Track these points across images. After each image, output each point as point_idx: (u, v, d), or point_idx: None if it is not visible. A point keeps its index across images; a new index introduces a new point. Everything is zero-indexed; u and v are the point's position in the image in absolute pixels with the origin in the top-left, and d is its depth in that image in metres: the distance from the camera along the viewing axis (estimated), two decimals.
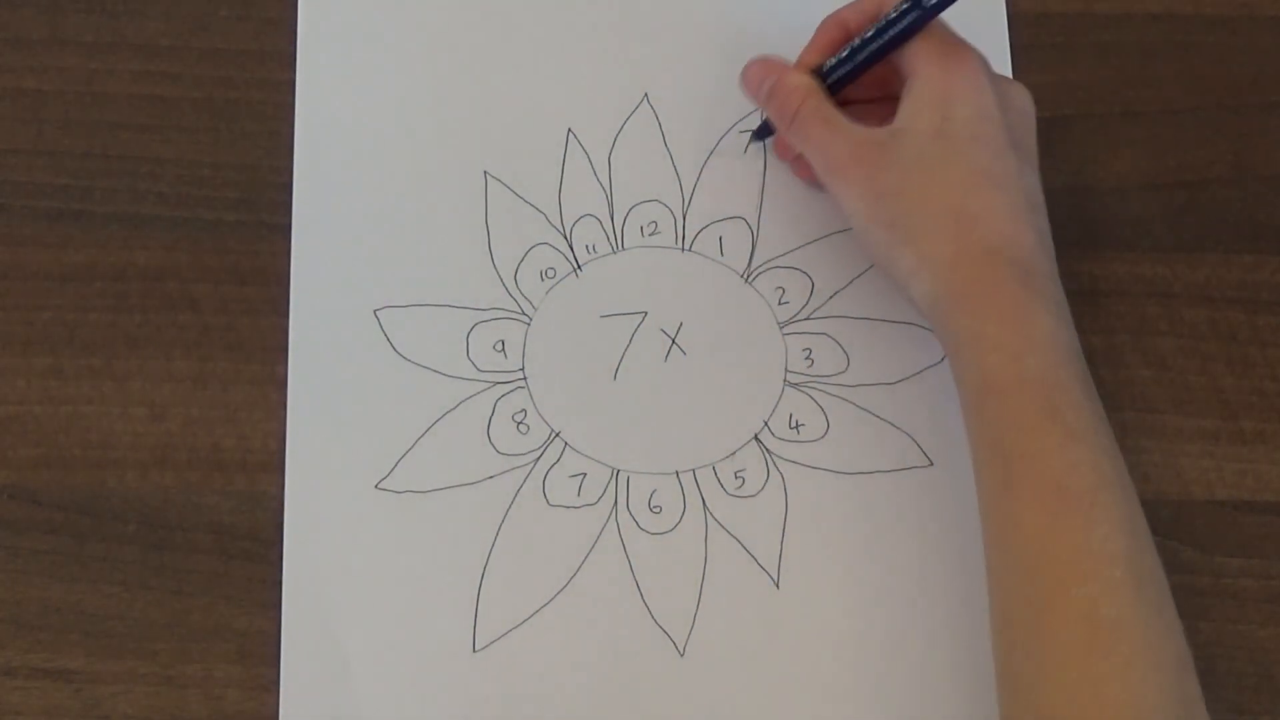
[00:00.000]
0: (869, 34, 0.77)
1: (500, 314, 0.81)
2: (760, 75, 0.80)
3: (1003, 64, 0.84)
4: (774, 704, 0.76)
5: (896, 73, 0.77)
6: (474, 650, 0.76)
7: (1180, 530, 0.79)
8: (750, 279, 0.82)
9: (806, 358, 0.81)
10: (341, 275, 0.81)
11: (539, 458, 0.79)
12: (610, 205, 0.83)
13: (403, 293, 0.81)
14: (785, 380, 0.81)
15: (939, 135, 0.74)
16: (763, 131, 0.82)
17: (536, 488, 0.78)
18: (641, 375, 0.80)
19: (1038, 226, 0.74)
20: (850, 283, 0.82)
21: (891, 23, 0.76)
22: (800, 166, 0.82)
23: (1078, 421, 0.69)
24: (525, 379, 0.80)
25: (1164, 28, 0.87)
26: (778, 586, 0.78)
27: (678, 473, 0.79)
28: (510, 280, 0.81)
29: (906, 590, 0.78)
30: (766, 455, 0.79)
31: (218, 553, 0.78)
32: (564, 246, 0.82)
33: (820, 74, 0.78)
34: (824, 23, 0.79)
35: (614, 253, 0.82)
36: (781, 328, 0.81)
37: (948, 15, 0.75)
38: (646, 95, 0.85)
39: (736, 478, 0.79)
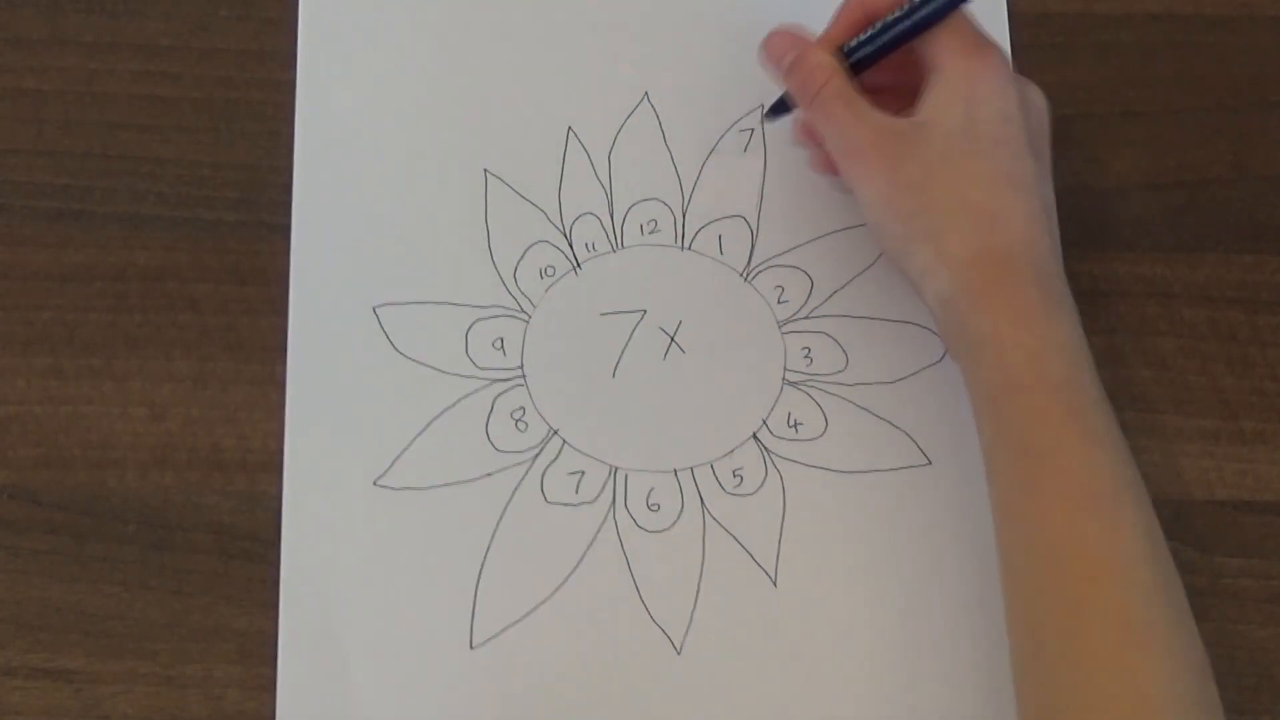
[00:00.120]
0: (897, 15, 0.76)
1: (500, 312, 0.81)
2: (783, 48, 0.78)
3: None
4: (771, 702, 0.76)
5: (917, 62, 0.76)
6: (471, 647, 0.76)
7: (1180, 530, 0.78)
8: (749, 278, 0.82)
9: (805, 356, 0.81)
10: (341, 272, 0.81)
11: (537, 455, 0.79)
12: (610, 204, 0.83)
13: (402, 290, 0.81)
14: (784, 379, 0.81)
15: (964, 133, 0.73)
16: (780, 108, 0.80)
17: (535, 485, 0.78)
18: (640, 373, 0.80)
19: (1052, 231, 0.74)
20: (849, 282, 0.82)
21: (921, 4, 0.75)
22: (817, 157, 0.81)
23: (1098, 424, 0.69)
24: (524, 377, 0.80)
25: (1164, 28, 0.87)
26: (775, 585, 0.78)
27: (676, 471, 0.79)
28: (510, 278, 0.82)
29: (904, 589, 0.77)
30: (765, 454, 0.79)
31: (218, 553, 0.78)
32: (563, 245, 0.82)
33: (842, 54, 0.77)
34: (846, 2, 0.78)
35: (613, 251, 0.82)
36: (780, 326, 0.81)
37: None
38: (647, 94, 0.85)
39: (735, 476, 0.79)
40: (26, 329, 0.81)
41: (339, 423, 0.79)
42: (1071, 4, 0.87)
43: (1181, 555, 0.78)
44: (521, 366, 0.80)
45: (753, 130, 0.84)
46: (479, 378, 0.80)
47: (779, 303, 0.82)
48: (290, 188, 0.83)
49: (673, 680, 0.76)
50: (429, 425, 0.79)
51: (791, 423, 0.80)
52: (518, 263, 0.82)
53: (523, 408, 0.80)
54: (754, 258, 0.82)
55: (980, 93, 0.74)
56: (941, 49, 0.75)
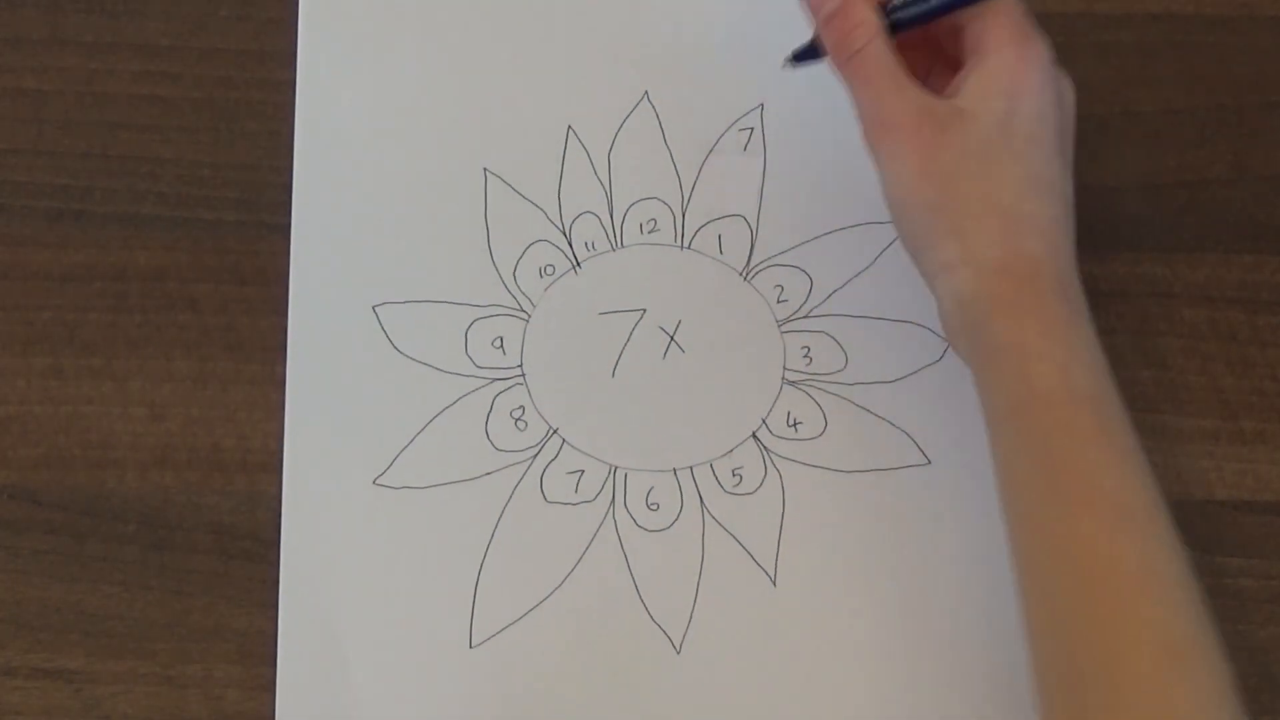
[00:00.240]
0: None
1: (499, 310, 0.81)
2: None
3: None
4: (770, 702, 0.76)
5: (954, 35, 0.74)
6: (470, 647, 0.76)
7: (1180, 530, 0.78)
8: (749, 277, 0.82)
9: (805, 356, 0.81)
10: (340, 271, 0.82)
11: (537, 454, 0.79)
12: (610, 203, 0.83)
13: (402, 289, 0.81)
14: (784, 378, 0.81)
15: (1002, 129, 0.71)
16: (808, 54, 0.76)
17: (534, 484, 0.78)
18: (640, 373, 0.80)
19: (1072, 235, 0.72)
20: (849, 281, 0.82)
21: None
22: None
23: (1124, 437, 0.68)
24: (524, 376, 0.80)
25: (1164, 28, 0.87)
26: (775, 584, 0.77)
27: (675, 470, 0.79)
28: (509, 277, 0.82)
29: (904, 588, 0.77)
30: (764, 453, 0.79)
31: (218, 553, 0.78)
32: (563, 243, 0.82)
33: (883, 9, 0.73)
34: None
35: (613, 250, 0.82)
36: (780, 326, 0.81)
37: None
38: (646, 93, 0.85)
39: (734, 475, 0.79)
40: (26, 329, 0.81)
41: (339, 422, 0.79)
42: (1071, 4, 0.87)
43: None
44: (521, 365, 0.80)
45: (752, 130, 0.84)
46: (478, 377, 0.80)
47: (778, 302, 0.82)
48: (290, 188, 0.83)
49: (672, 680, 0.76)
50: (428, 424, 0.79)
51: (791, 422, 0.80)
52: (517, 262, 0.82)
53: (522, 407, 0.80)
54: (753, 257, 0.82)
55: (1023, 87, 0.71)
56: (989, 30, 0.72)
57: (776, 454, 0.79)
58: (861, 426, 0.80)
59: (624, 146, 0.84)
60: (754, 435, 0.80)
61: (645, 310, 0.81)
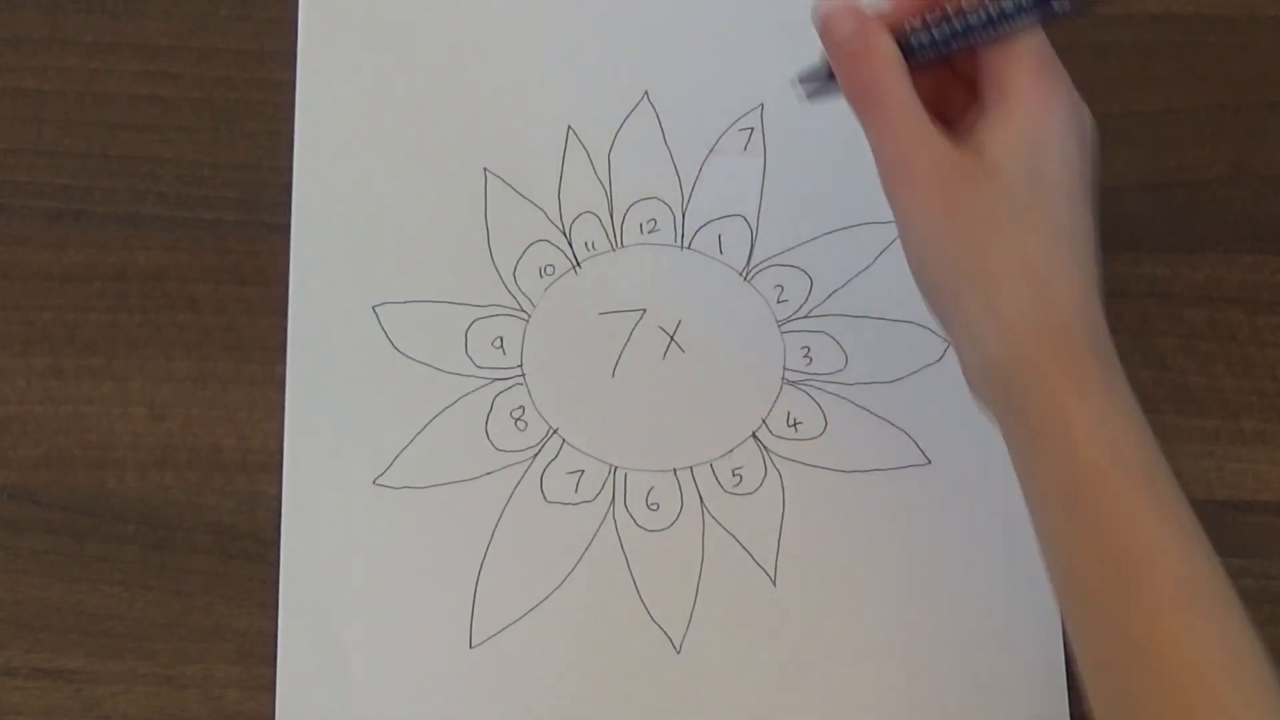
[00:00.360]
0: (977, 19, 0.68)
1: (499, 310, 0.81)
2: (843, 23, 0.69)
3: None
4: (770, 702, 0.76)
5: (970, 56, 0.69)
6: (470, 646, 0.76)
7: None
8: (749, 277, 0.82)
9: (805, 356, 0.81)
10: (340, 272, 0.82)
11: (537, 454, 0.79)
12: (610, 203, 0.83)
13: (402, 289, 0.81)
14: (783, 378, 0.81)
15: (1031, 182, 0.66)
16: (817, 79, 0.72)
17: (534, 484, 0.79)
18: (640, 373, 0.80)
19: (1100, 287, 0.68)
20: (849, 281, 0.82)
21: (1009, 16, 0.68)
22: None
23: (1179, 506, 0.64)
24: (524, 376, 0.80)
25: (1164, 28, 0.87)
26: (775, 584, 0.78)
27: (675, 470, 0.79)
28: (509, 277, 0.82)
29: (903, 588, 0.78)
30: (764, 453, 0.79)
31: (217, 553, 0.78)
32: (563, 243, 0.82)
33: (902, 38, 0.69)
34: None
35: (613, 250, 0.82)
36: (780, 326, 0.81)
37: None
38: (646, 93, 0.84)
39: (734, 475, 0.79)
40: (26, 329, 0.81)
41: (339, 422, 0.79)
42: None
43: None
44: (521, 365, 0.80)
45: (752, 130, 0.84)
46: (478, 377, 0.80)
47: (778, 302, 0.82)
48: (290, 188, 0.83)
49: (672, 679, 0.76)
50: (428, 424, 0.79)
51: (791, 422, 0.80)
52: (517, 262, 0.82)
53: (522, 407, 0.80)
54: (753, 257, 0.82)
55: (1051, 134, 0.67)
56: (1014, 70, 0.68)
57: (776, 454, 0.79)
58: (861, 426, 0.80)
59: (624, 146, 0.84)
60: (754, 435, 0.80)
61: (645, 310, 0.81)
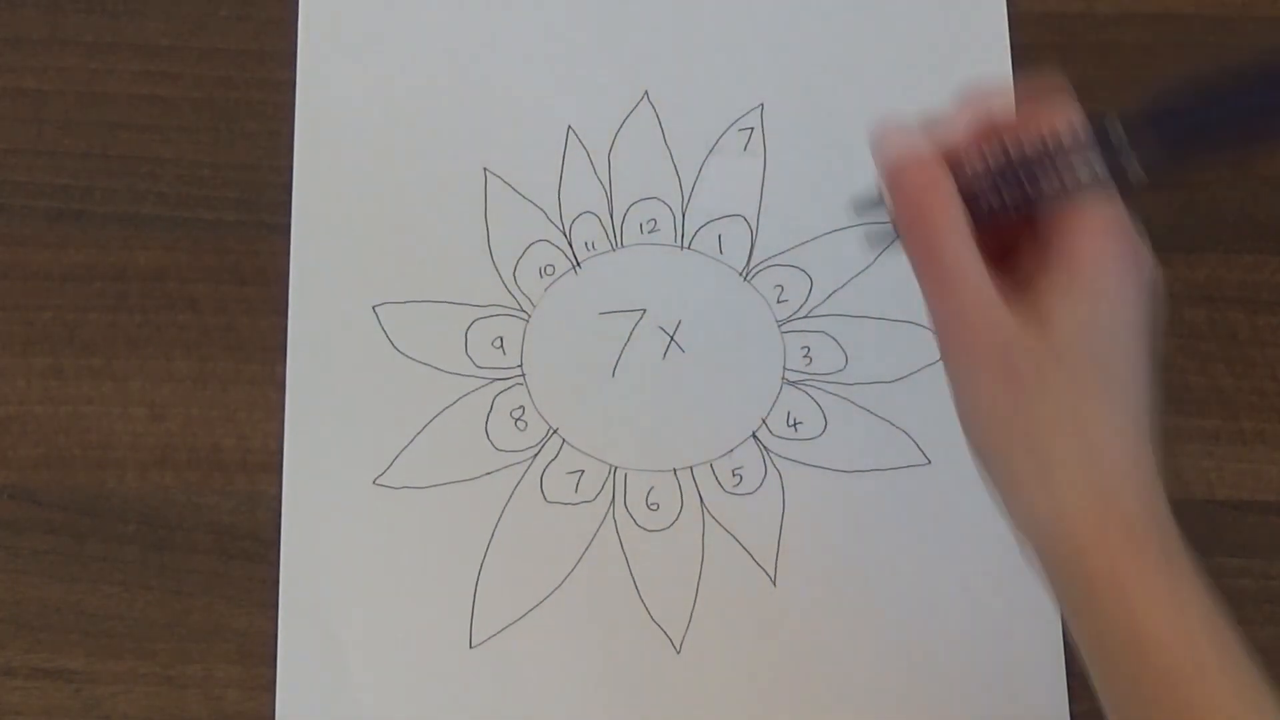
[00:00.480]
0: (1050, 187, 0.63)
1: (499, 310, 0.81)
2: (913, 176, 0.64)
3: (1002, 64, 0.84)
4: (770, 702, 0.76)
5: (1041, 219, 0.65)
6: (470, 646, 0.76)
7: (1180, 530, 0.78)
8: (749, 277, 0.82)
9: (805, 356, 0.81)
10: (340, 271, 0.81)
11: (537, 454, 0.79)
12: (610, 203, 0.83)
13: (402, 289, 0.81)
14: (783, 378, 0.81)
15: (1099, 364, 0.63)
16: (873, 210, 0.69)
17: (534, 484, 0.79)
18: (640, 373, 0.81)
19: (1159, 468, 0.64)
20: (849, 281, 0.82)
21: (1080, 185, 0.63)
22: None
23: (1258, 697, 0.62)
24: (524, 376, 0.80)
25: (1164, 28, 0.87)
26: (774, 584, 0.78)
27: (675, 470, 0.79)
28: (509, 277, 0.82)
29: (903, 588, 0.78)
30: (764, 453, 0.79)
31: (217, 553, 0.78)
32: (563, 243, 0.82)
33: (969, 196, 0.64)
34: (967, 99, 0.65)
35: (613, 250, 0.82)
36: (780, 326, 0.81)
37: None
38: (646, 93, 0.84)
39: (734, 475, 0.79)
40: (26, 329, 0.81)
41: (339, 422, 0.79)
42: (1071, 4, 0.87)
43: None
44: (521, 365, 0.80)
45: (752, 130, 0.84)
46: (478, 377, 0.80)
47: (778, 302, 0.82)
48: (290, 188, 0.83)
49: (672, 679, 0.76)
50: (428, 424, 0.79)
51: (791, 422, 0.80)
52: (517, 262, 0.82)
53: (522, 407, 0.80)
54: (753, 257, 0.82)
55: (1120, 308, 0.63)
56: (1082, 226, 0.63)
57: (776, 454, 0.79)
58: (862, 426, 0.80)
59: (624, 146, 0.84)
60: (754, 435, 0.80)
61: (645, 310, 0.81)
